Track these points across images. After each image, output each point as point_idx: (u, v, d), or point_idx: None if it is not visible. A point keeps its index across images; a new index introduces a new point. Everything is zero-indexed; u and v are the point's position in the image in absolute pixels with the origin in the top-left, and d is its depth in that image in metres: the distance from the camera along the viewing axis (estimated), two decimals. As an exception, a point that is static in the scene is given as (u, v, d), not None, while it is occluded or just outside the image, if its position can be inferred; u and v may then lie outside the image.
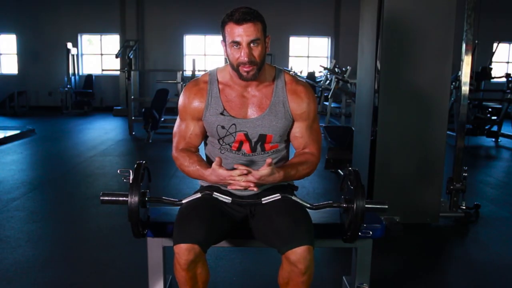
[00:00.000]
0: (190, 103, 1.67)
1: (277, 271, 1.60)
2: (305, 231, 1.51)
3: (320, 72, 10.78)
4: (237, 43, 1.52)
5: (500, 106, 7.61)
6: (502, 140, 7.30)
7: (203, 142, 1.80)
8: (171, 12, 11.58)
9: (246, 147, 1.68)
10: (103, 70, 11.54)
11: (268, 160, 1.53)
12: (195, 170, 1.64)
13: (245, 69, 1.55)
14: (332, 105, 7.93)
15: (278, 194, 1.64)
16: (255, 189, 1.55)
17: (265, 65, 1.63)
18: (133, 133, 7.57)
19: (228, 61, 1.60)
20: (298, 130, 1.71)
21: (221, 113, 1.64)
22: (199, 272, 1.54)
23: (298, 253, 1.46)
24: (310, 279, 1.53)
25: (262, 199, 1.64)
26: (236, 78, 1.62)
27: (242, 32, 1.50)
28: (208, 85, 1.67)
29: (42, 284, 2.35)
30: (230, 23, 1.52)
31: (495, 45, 9.47)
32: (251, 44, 1.52)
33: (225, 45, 1.57)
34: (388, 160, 3.26)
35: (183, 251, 1.46)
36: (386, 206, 1.61)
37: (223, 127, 1.65)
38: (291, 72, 1.83)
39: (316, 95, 9.26)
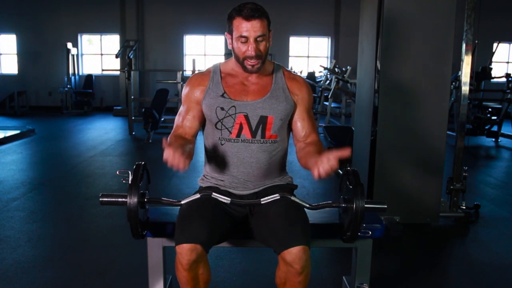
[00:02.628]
0: (192, 88, 1.75)
1: (275, 272, 1.60)
2: (300, 231, 1.51)
3: (320, 72, 10.78)
4: (245, 38, 1.60)
5: (500, 106, 7.62)
6: (502, 140, 7.31)
7: (202, 139, 1.82)
8: (171, 12, 11.59)
9: (246, 132, 1.69)
10: (103, 70, 11.56)
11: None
12: None
13: (251, 63, 1.64)
14: (332, 105, 7.93)
15: (277, 194, 1.64)
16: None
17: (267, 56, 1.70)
18: (133, 133, 7.58)
19: (233, 53, 1.67)
20: (299, 114, 1.77)
21: (221, 95, 1.70)
22: (201, 272, 1.54)
23: (293, 253, 1.46)
24: (307, 279, 1.53)
25: (261, 199, 1.64)
26: (238, 68, 1.70)
27: (250, 28, 1.58)
28: (211, 73, 1.76)
29: (42, 284, 2.35)
30: (239, 18, 1.59)
31: (495, 45, 9.47)
32: (258, 39, 1.60)
33: (231, 38, 1.64)
34: (388, 160, 3.26)
35: (186, 251, 1.46)
36: (385, 206, 1.61)
37: (222, 109, 1.68)
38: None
39: (316, 95, 9.28)
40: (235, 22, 1.60)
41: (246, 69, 1.66)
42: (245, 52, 1.61)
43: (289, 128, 1.81)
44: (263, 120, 1.69)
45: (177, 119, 1.78)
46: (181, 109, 1.79)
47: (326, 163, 1.45)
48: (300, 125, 1.78)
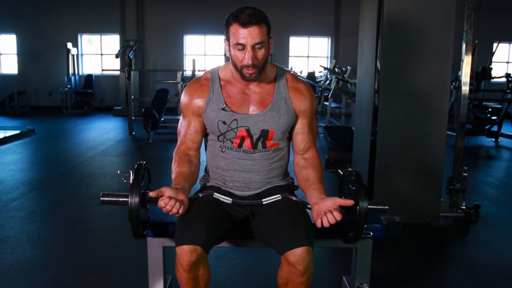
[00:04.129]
0: (191, 99, 1.69)
1: (277, 271, 1.60)
2: (304, 232, 1.50)
3: (320, 72, 10.78)
4: (242, 45, 1.53)
5: (500, 106, 7.62)
6: (502, 140, 7.31)
7: (203, 144, 1.81)
8: (171, 12, 11.58)
9: (247, 144, 1.67)
10: (103, 70, 11.55)
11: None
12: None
13: (248, 71, 1.56)
14: (332, 105, 7.92)
15: (279, 195, 1.63)
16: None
17: (266, 64, 1.63)
18: (133, 133, 7.58)
19: (230, 60, 1.61)
20: (301, 127, 1.73)
21: (223, 109, 1.65)
22: (201, 273, 1.54)
23: (297, 254, 1.45)
24: (309, 279, 1.53)
25: (263, 199, 1.64)
26: (238, 75, 1.63)
27: (247, 35, 1.50)
28: (209, 82, 1.69)
29: (42, 284, 2.35)
30: (235, 24, 1.51)
31: (495, 45, 9.47)
32: (255, 47, 1.53)
33: (229, 45, 1.58)
34: (388, 160, 3.26)
35: (186, 252, 1.46)
36: (387, 207, 1.61)
37: (224, 123, 1.65)
38: (291, 72, 1.81)
39: (316, 95, 9.28)
40: (232, 29, 1.52)
41: (244, 78, 1.59)
42: (242, 60, 1.54)
43: (290, 135, 1.78)
44: (264, 134, 1.66)
45: (180, 132, 1.74)
46: (182, 121, 1.73)
47: (331, 216, 1.48)
48: (300, 138, 1.73)
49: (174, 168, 1.67)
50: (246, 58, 1.53)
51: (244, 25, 1.50)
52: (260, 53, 1.55)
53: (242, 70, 1.57)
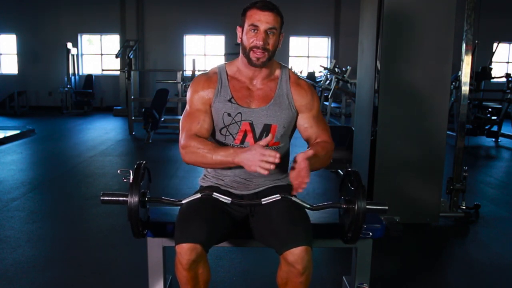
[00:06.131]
0: (201, 90, 1.69)
1: (276, 271, 1.60)
2: (303, 232, 1.51)
3: (320, 72, 10.78)
4: (256, 27, 1.59)
5: (500, 106, 7.62)
6: (502, 140, 7.31)
7: None
8: (171, 12, 11.59)
9: (250, 139, 1.68)
10: (103, 70, 11.56)
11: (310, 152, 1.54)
12: (214, 156, 1.56)
13: (256, 55, 1.61)
14: (332, 105, 7.93)
15: (278, 195, 1.64)
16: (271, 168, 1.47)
17: (272, 60, 1.68)
18: (133, 133, 7.58)
19: (241, 47, 1.65)
20: (306, 121, 1.75)
21: (229, 100, 1.68)
22: (201, 272, 1.54)
23: (295, 254, 1.46)
24: (308, 279, 1.53)
25: (262, 199, 1.64)
26: (244, 68, 1.67)
27: (262, 18, 1.58)
28: (217, 75, 1.72)
29: (42, 284, 2.35)
30: (253, 9, 1.60)
31: (495, 45, 9.47)
32: (268, 31, 1.59)
33: (242, 31, 1.64)
34: (388, 160, 3.26)
35: (185, 250, 1.46)
36: (387, 207, 1.61)
37: (229, 115, 1.67)
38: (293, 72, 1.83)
39: (316, 95, 9.27)
40: (249, 13, 1.61)
41: (251, 62, 1.62)
42: (253, 41, 1.60)
43: (293, 131, 1.79)
44: (267, 128, 1.68)
45: (188, 121, 1.66)
46: (191, 111, 1.68)
47: (301, 179, 1.51)
48: (309, 132, 1.75)
49: (205, 146, 1.58)
50: (257, 38, 1.59)
51: (261, 9, 1.59)
52: (272, 39, 1.61)
53: (250, 53, 1.61)
